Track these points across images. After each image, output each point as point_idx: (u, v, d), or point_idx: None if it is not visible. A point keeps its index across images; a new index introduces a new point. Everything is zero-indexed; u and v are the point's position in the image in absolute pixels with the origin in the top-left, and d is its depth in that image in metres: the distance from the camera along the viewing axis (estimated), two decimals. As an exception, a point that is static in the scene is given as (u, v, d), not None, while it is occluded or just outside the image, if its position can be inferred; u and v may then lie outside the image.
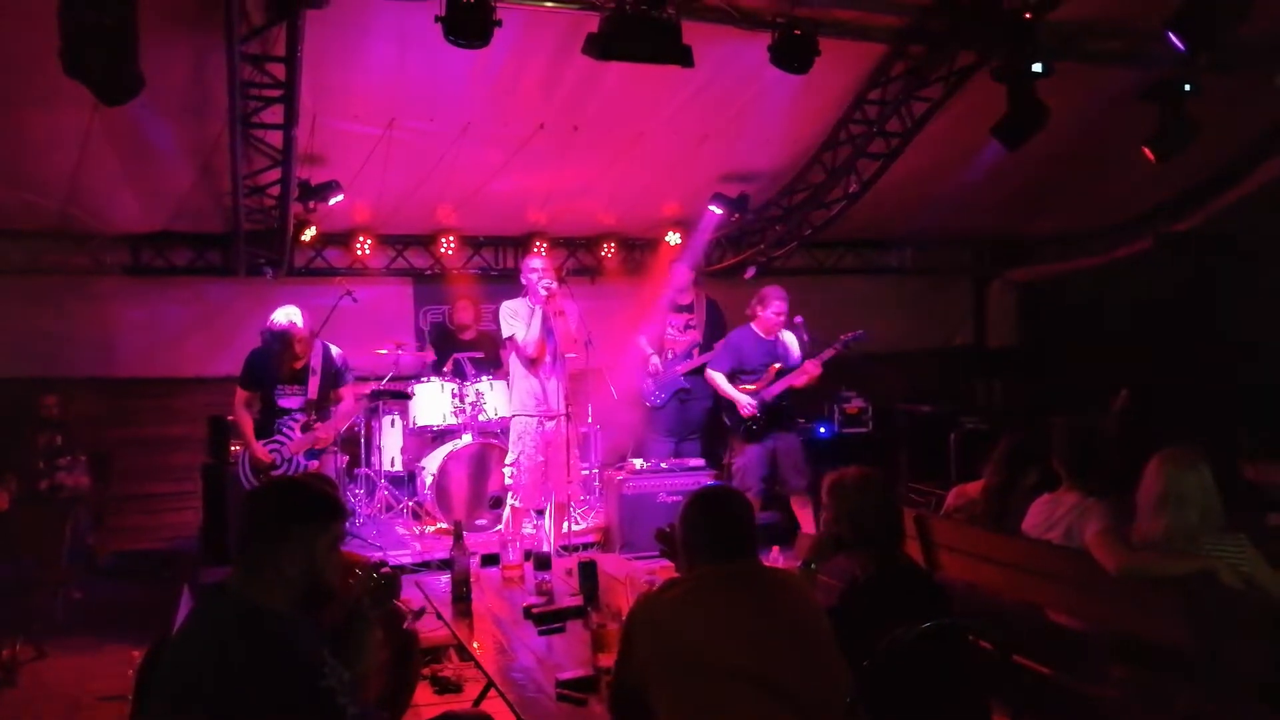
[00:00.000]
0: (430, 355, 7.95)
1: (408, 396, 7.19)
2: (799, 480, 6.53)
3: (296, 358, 5.58)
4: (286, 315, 5.48)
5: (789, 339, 6.62)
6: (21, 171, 6.26)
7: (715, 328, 7.48)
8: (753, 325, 6.63)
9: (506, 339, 6.04)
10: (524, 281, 6.01)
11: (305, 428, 5.62)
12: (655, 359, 7.52)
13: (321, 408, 5.70)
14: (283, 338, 5.46)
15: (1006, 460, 4.53)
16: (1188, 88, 6.00)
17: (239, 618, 2.22)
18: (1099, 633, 3.68)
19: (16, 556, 5.79)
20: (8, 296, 7.27)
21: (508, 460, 6.16)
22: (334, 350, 5.78)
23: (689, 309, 7.59)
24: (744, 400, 6.45)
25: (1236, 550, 3.38)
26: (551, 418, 6.02)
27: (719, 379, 6.59)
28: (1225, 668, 3.16)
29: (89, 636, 5.51)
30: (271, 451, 5.55)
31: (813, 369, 6.43)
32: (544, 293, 5.81)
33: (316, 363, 5.66)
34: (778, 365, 6.48)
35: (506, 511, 6.25)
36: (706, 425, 7.57)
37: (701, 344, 7.40)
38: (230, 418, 5.98)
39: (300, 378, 5.63)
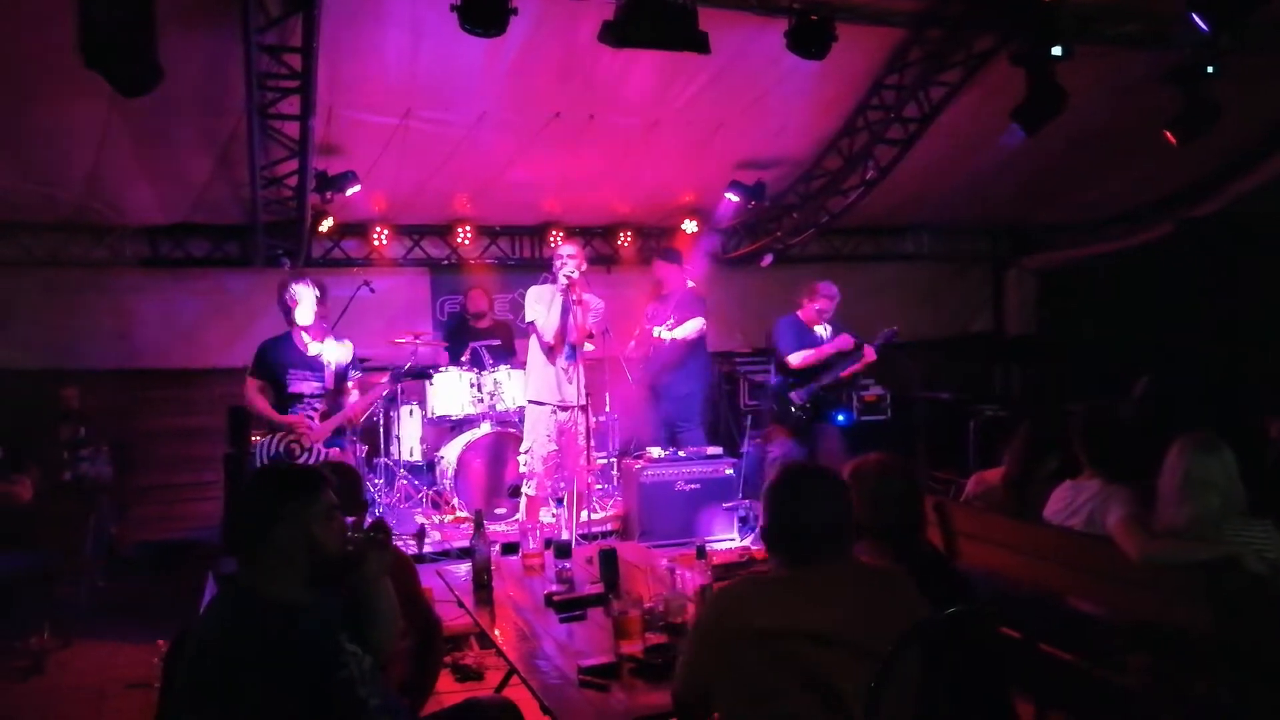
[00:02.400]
0: (441, 345, 7.94)
1: (428, 376, 7.22)
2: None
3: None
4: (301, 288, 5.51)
5: (827, 331, 6.68)
6: (40, 165, 6.29)
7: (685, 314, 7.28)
8: (798, 314, 6.66)
9: (528, 324, 6.05)
10: (553, 267, 6.02)
11: (325, 416, 5.64)
12: (633, 344, 7.52)
13: (336, 398, 5.73)
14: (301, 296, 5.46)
15: (1026, 447, 4.51)
16: (1210, 70, 5.93)
17: (247, 612, 2.25)
18: (1121, 620, 3.66)
19: (41, 547, 5.85)
20: (28, 289, 7.32)
21: (522, 448, 6.18)
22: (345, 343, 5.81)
23: (662, 300, 7.49)
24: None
25: (1262, 536, 3.35)
26: (565, 408, 6.03)
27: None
28: (1248, 655, 3.14)
29: (114, 625, 5.55)
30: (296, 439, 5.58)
31: (870, 355, 6.43)
32: (564, 280, 5.82)
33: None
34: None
35: (523, 500, 6.27)
36: (704, 413, 7.56)
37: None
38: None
39: (314, 365, 5.65)
